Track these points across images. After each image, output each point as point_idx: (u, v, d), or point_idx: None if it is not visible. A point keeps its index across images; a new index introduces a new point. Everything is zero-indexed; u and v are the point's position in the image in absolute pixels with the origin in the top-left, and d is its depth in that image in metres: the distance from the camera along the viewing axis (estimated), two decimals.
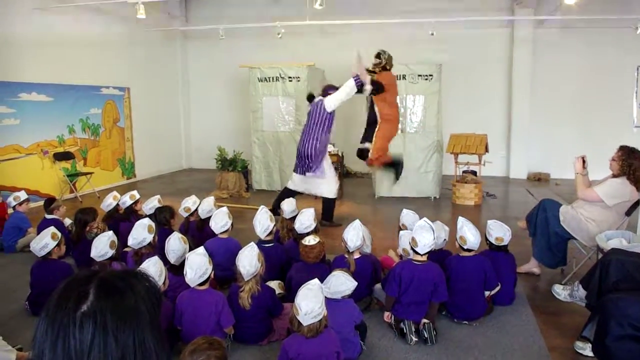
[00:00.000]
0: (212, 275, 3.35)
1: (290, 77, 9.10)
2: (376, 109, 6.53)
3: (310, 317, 2.62)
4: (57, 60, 8.50)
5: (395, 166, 6.78)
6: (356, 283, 3.30)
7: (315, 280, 2.82)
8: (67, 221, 5.72)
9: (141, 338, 0.95)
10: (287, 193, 6.60)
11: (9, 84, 7.60)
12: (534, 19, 9.98)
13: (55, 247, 4.11)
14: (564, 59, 10.30)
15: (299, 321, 2.66)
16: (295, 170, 6.78)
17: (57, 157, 8.56)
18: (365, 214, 7.49)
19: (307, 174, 6.60)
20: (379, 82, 6.29)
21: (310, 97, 6.92)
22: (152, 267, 3.26)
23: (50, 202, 5.71)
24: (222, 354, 2.12)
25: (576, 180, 4.55)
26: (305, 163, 6.56)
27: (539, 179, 10.24)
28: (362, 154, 6.76)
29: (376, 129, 6.53)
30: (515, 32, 10.33)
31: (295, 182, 6.77)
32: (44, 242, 4.05)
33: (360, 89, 6.25)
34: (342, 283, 3.23)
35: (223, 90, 12.23)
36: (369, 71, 6.36)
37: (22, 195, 5.83)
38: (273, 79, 9.21)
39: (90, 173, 9.05)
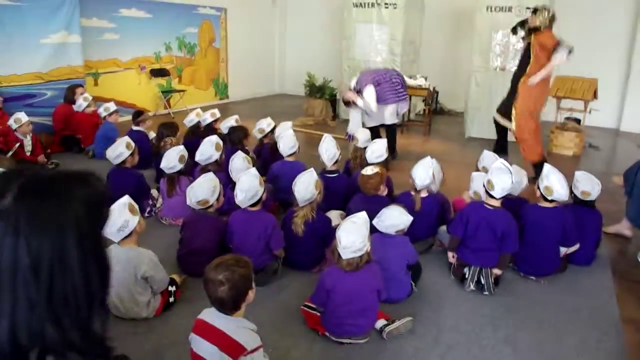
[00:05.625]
0: (263, 197, 3.30)
1: (386, 4, 8.60)
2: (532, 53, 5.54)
3: (349, 251, 2.49)
4: None
5: (537, 167, 5.42)
6: (411, 218, 3.11)
7: (362, 214, 2.66)
8: (152, 134, 5.93)
9: (61, 250, 0.86)
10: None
11: None
12: None
13: (129, 156, 4.26)
14: None
15: (339, 253, 2.55)
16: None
17: (154, 73, 8.87)
18: (451, 152, 7.13)
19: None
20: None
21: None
22: (207, 182, 3.27)
23: (138, 115, 5.92)
24: (246, 273, 2.06)
25: None
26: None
27: None
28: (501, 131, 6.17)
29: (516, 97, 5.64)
30: None
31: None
32: (119, 150, 4.21)
33: None
34: (396, 217, 3.06)
35: (319, 14, 11.88)
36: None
37: (112, 107, 6.09)
38: (369, 4, 8.76)
39: (183, 91, 9.32)
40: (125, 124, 6.57)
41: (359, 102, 6.15)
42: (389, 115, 6.33)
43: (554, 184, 3.41)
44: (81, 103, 6.22)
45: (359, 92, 6.20)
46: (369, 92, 6.07)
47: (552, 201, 3.47)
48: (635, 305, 3.24)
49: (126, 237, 2.73)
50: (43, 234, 0.85)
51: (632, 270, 3.70)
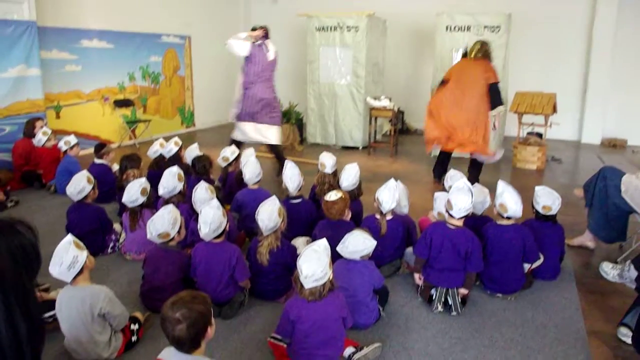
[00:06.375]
0: (227, 229, 3.25)
1: (348, 27, 8.73)
2: None
3: (311, 280, 2.46)
4: (117, 6, 8.59)
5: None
6: (375, 242, 3.09)
7: (322, 241, 2.63)
8: (115, 167, 5.82)
9: None
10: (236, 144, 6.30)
11: (71, 30, 7.76)
12: None
13: (91, 190, 4.16)
14: None
15: (301, 283, 2.51)
16: (245, 119, 6.60)
17: (118, 104, 8.76)
18: (418, 172, 7.21)
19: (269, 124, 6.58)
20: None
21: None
22: (167, 215, 3.21)
23: (100, 147, 5.81)
24: (204, 309, 2.01)
25: None
26: (267, 110, 6.56)
27: (614, 145, 9.38)
28: None
29: None
30: None
31: (245, 131, 6.59)
32: (81, 186, 4.10)
33: None
34: (359, 243, 3.04)
35: (283, 39, 11.89)
36: None
37: (72, 140, 5.96)
38: (331, 28, 8.89)
39: (148, 120, 9.22)
40: (88, 157, 6.44)
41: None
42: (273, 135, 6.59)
43: (508, 201, 3.47)
44: (40, 138, 6.08)
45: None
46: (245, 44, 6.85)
47: (509, 218, 3.52)
48: (599, 317, 3.28)
49: (78, 275, 2.64)
50: None
51: (596, 282, 3.74)
